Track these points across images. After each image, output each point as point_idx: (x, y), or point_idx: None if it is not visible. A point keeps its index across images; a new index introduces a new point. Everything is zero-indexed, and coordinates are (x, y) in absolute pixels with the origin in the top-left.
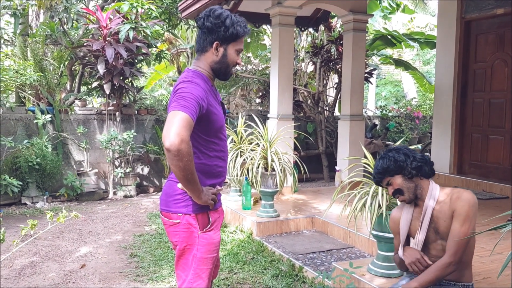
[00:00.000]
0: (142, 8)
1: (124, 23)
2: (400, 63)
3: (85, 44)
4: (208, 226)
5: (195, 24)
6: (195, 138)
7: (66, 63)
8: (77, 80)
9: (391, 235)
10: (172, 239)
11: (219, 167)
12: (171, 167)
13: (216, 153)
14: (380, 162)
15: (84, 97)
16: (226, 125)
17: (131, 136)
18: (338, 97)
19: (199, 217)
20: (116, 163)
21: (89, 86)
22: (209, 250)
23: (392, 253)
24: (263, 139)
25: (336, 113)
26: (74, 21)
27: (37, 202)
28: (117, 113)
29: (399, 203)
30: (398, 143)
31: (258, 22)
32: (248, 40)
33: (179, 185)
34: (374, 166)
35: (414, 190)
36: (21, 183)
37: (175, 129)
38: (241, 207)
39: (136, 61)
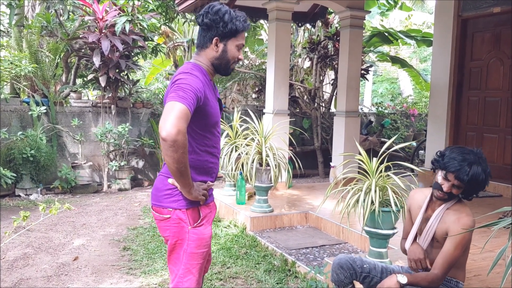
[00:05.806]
0: (138, 0)
1: (121, 16)
2: (396, 61)
3: (81, 36)
4: (199, 221)
5: (192, 18)
6: (188, 131)
7: (62, 55)
8: (72, 72)
9: (383, 231)
10: (163, 234)
11: (210, 163)
12: (165, 158)
13: (207, 148)
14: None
15: (80, 89)
16: (221, 120)
17: (126, 129)
18: (334, 94)
19: (190, 212)
20: (111, 156)
21: (85, 79)
22: (200, 245)
23: (384, 250)
24: (258, 134)
25: (332, 109)
26: (70, 13)
27: (31, 194)
28: (112, 106)
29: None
30: (392, 140)
31: (255, 16)
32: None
33: (170, 180)
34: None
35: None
36: (15, 174)
37: (173, 119)
38: (235, 201)
39: (132, 54)
